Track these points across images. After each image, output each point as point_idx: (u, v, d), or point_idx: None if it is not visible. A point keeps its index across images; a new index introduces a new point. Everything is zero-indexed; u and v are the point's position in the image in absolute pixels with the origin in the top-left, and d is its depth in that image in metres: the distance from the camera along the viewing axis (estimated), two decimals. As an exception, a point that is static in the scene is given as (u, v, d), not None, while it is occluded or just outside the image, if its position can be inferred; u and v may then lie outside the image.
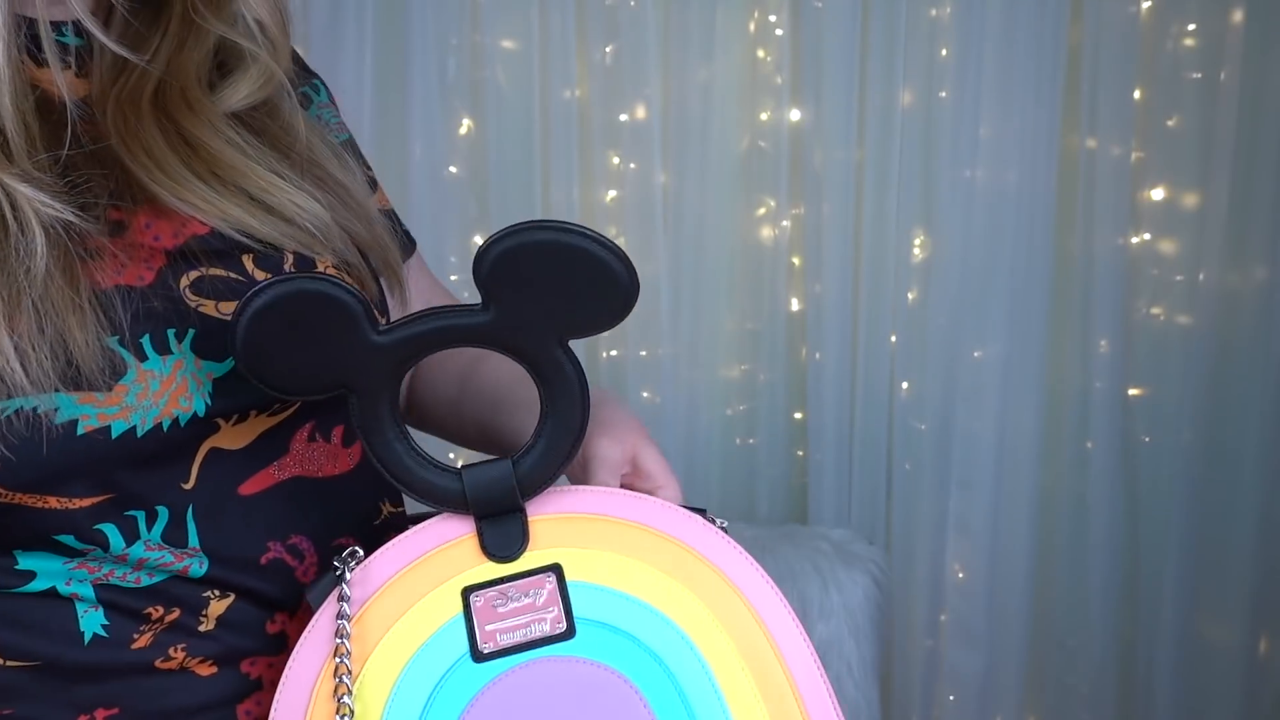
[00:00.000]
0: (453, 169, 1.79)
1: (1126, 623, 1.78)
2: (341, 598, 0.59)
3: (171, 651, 0.63)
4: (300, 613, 0.66)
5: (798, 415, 1.82)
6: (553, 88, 1.73)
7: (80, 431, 0.59)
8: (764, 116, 1.74)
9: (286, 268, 0.66)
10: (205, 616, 0.64)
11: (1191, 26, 1.62)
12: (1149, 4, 1.63)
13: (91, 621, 0.63)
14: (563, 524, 0.60)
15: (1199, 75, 1.63)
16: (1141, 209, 1.69)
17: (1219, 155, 1.62)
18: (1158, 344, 1.70)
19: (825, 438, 1.77)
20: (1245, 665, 1.74)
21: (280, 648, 0.65)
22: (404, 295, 0.76)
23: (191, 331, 0.63)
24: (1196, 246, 1.66)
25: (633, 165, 1.76)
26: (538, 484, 0.60)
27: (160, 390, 0.61)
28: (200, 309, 0.63)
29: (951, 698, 1.81)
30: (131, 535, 0.63)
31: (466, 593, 0.58)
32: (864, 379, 1.75)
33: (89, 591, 0.63)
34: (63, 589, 0.63)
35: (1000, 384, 1.72)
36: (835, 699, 0.57)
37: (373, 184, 0.82)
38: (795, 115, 1.73)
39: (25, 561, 0.63)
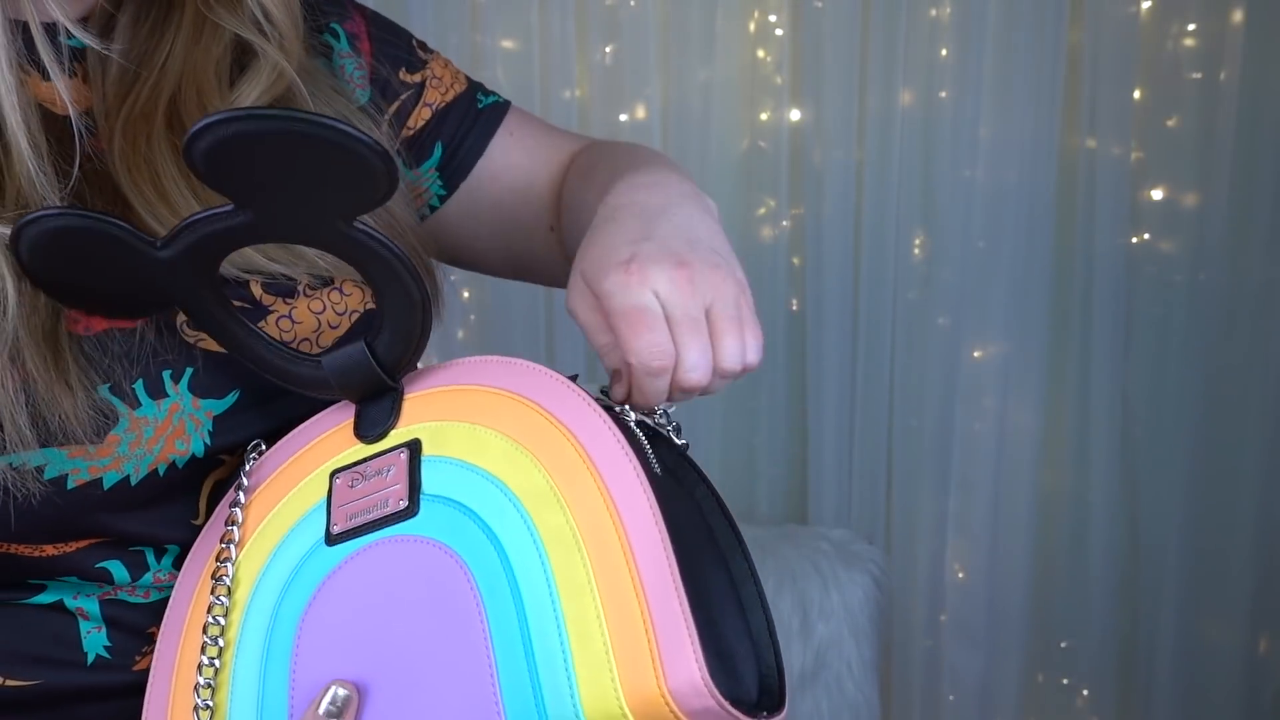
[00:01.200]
0: (453, 169, 1.79)
1: (1126, 623, 1.77)
2: (239, 487, 0.59)
3: None
4: None
5: (798, 415, 1.82)
6: (553, 88, 1.72)
7: (71, 486, 0.57)
8: (764, 116, 1.74)
9: (300, 287, 0.65)
10: None
11: (1191, 26, 1.62)
12: (1149, 4, 1.63)
13: (94, 643, 0.62)
14: (430, 399, 0.57)
15: (1199, 75, 1.62)
16: (1141, 209, 1.68)
17: (1219, 155, 1.62)
18: (1158, 344, 1.70)
19: (825, 438, 1.76)
20: (1245, 665, 1.73)
21: None
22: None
23: (189, 370, 0.60)
24: (1196, 246, 1.66)
25: (633, 165, 1.75)
26: (400, 360, 0.56)
27: (155, 436, 0.59)
28: (200, 344, 0.61)
29: (951, 698, 1.81)
30: (139, 569, 0.62)
31: (333, 475, 0.56)
32: (864, 379, 1.75)
33: (94, 607, 0.62)
34: (69, 602, 0.62)
35: (1000, 384, 1.72)
36: (680, 584, 0.50)
37: (418, 94, 0.78)
38: (795, 115, 1.73)
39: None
